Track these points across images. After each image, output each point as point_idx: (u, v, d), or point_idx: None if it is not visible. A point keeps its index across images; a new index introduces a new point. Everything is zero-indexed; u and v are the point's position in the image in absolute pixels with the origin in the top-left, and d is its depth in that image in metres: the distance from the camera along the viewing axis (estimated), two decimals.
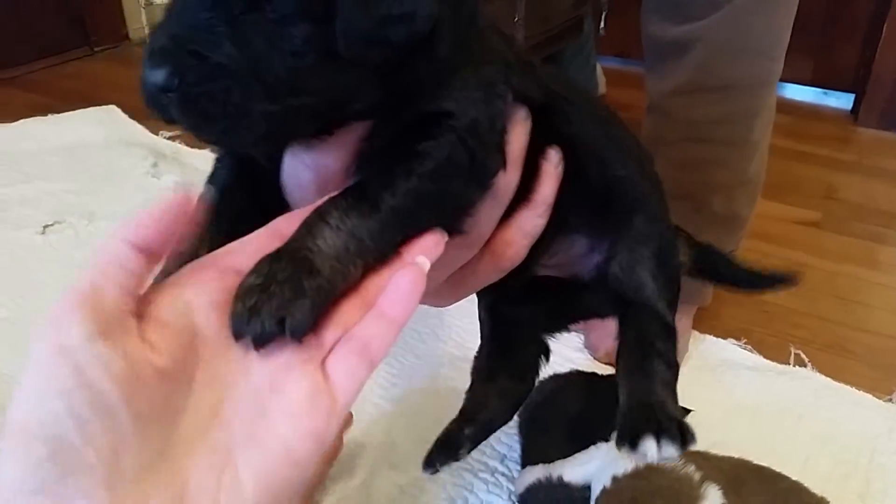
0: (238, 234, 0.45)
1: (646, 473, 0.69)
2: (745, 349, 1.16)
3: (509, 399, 0.80)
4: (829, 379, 1.09)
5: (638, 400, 0.58)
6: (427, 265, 0.45)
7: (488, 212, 0.54)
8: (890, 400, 1.06)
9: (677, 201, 1.03)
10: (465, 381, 0.83)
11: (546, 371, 0.97)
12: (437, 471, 0.74)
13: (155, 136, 1.84)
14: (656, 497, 0.66)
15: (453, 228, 0.50)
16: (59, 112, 1.95)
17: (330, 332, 0.42)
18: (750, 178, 1.05)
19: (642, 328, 0.62)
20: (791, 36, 1.01)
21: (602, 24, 1.69)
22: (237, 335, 0.39)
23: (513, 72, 0.52)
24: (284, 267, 0.40)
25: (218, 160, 0.53)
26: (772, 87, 1.03)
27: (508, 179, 0.54)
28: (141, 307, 0.39)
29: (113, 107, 1.97)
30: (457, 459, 0.75)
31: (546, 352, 0.80)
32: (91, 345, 0.35)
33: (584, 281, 0.67)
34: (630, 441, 0.54)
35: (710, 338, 1.18)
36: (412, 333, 1.16)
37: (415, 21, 0.42)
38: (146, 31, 2.54)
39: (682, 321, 1.12)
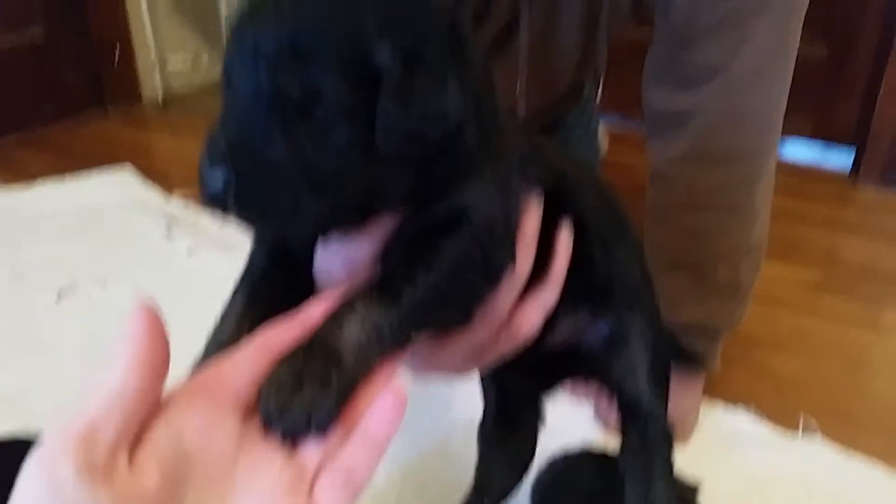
0: (275, 315, 0.48)
1: None
2: (754, 417, 1.17)
3: (519, 463, 0.84)
4: (840, 449, 1.10)
5: None
6: (406, 387, 0.46)
7: (505, 295, 0.57)
8: None
9: (682, 270, 1.07)
10: (474, 447, 0.86)
11: (557, 442, 0.98)
12: None
13: (168, 199, 1.87)
14: None
15: (463, 319, 0.54)
16: (74, 172, 1.99)
17: (312, 456, 0.43)
18: (752, 245, 1.07)
19: (645, 434, 0.68)
20: (789, 93, 1.03)
21: (599, 90, 1.73)
22: (267, 427, 0.42)
23: (527, 163, 0.56)
24: (316, 363, 0.43)
25: (254, 244, 0.56)
26: (771, 155, 1.05)
27: (523, 261, 0.57)
28: (138, 430, 0.39)
29: (127, 169, 2.01)
30: None
31: (542, 412, 0.84)
32: (82, 485, 0.35)
33: (580, 350, 0.71)
34: None
35: (719, 406, 1.19)
36: (420, 400, 1.17)
37: (446, 119, 0.46)
38: (160, 92, 2.61)
39: (693, 392, 1.13)
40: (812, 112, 2.14)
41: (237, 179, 0.43)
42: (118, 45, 2.55)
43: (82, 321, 1.39)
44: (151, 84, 2.64)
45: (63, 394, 1.20)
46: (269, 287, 0.53)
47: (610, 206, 0.69)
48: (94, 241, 1.66)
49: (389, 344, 0.46)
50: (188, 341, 1.39)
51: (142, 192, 1.91)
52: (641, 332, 0.68)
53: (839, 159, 2.15)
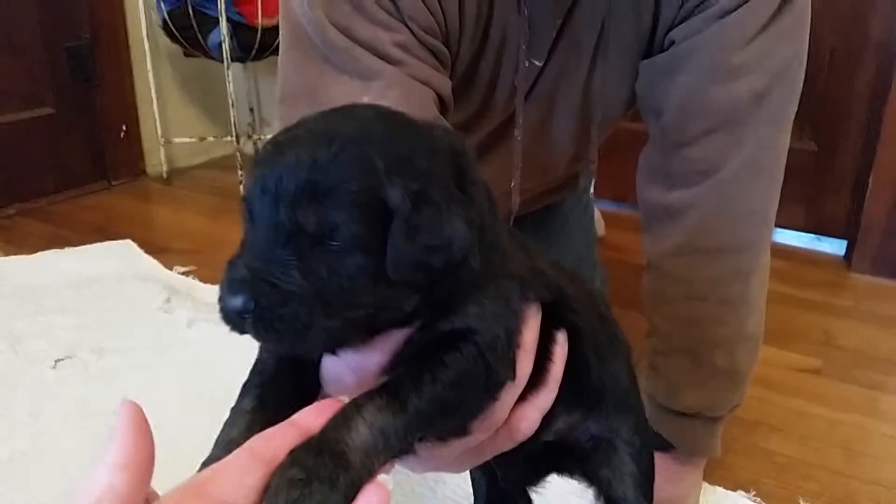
0: (284, 416, 0.49)
1: None
2: (754, 502, 1.16)
3: None
4: None
5: None
6: (390, 483, 0.47)
7: (504, 403, 0.59)
8: None
9: (681, 354, 1.07)
10: None
11: None
12: None
13: (168, 271, 1.88)
14: None
15: (464, 429, 0.56)
16: (75, 243, 2.01)
17: None
18: (750, 333, 1.08)
19: None
20: (783, 183, 1.05)
21: (594, 180, 1.77)
22: None
23: (527, 286, 0.59)
24: (326, 462, 0.44)
25: (262, 350, 0.58)
26: (764, 248, 1.06)
27: (523, 368, 0.59)
28: None
29: (128, 241, 2.03)
30: None
31: (530, 500, 0.86)
32: None
33: (571, 445, 0.74)
34: None
35: (720, 490, 1.18)
36: (410, 484, 1.16)
37: (452, 249, 0.49)
38: (164, 167, 2.66)
39: (694, 474, 1.12)
40: (803, 205, 2.19)
41: (256, 306, 0.46)
42: (125, 125, 2.62)
43: (78, 390, 1.38)
44: (156, 159, 2.69)
45: (53, 462, 1.18)
46: (279, 387, 0.55)
47: (601, 315, 0.73)
48: (93, 312, 1.66)
49: (394, 449, 0.48)
50: (184, 411, 1.38)
51: (141, 264, 1.93)
52: (630, 437, 0.73)
53: (833, 246, 2.19)
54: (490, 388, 0.56)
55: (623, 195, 2.37)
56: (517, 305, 0.57)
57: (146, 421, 0.42)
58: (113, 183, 2.61)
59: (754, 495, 1.17)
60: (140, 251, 1.99)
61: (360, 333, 0.52)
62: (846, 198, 2.17)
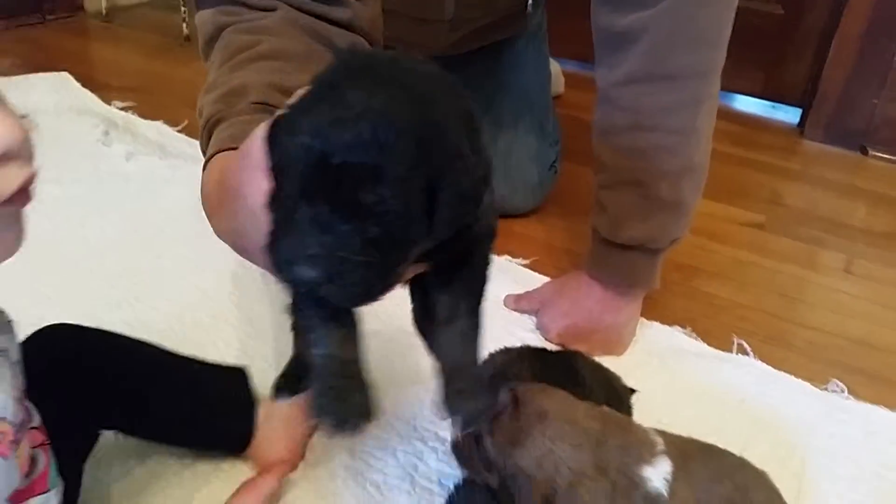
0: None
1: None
2: (690, 336, 1.19)
3: None
4: (769, 367, 1.13)
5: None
6: None
7: None
8: (825, 388, 1.10)
9: (626, 187, 1.07)
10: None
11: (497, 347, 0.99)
12: None
13: (107, 105, 1.80)
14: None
15: None
16: (8, 75, 1.89)
17: None
18: (695, 165, 1.07)
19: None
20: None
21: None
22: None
23: None
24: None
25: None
26: (716, 76, 1.05)
27: None
28: None
29: (65, 73, 1.92)
30: None
31: None
32: None
33: None
34: None
35: (656, 324, 1.20)
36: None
37: (481, 210, 0.59)
38: (104, 4, 2.50)
39: (631, 306, 1.14)
40: (762, 70, 2.17)
41: (330, 277, 0.53)
42: None
43: None
44: None
45: None
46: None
47: None
48: None
49: None
50: (122, 243, 1.33)
51: (79, 97, 1.83)
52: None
53: (787, 114, 2.19)
54: None
55: (584, 55, 2.30)
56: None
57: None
58: (48, 17, 2.44)
59: (690, 331, 1.20)
60: (77, 84, 1.88)
61: (403, 277, 0.61)
62: (806, 65, 2.14)
